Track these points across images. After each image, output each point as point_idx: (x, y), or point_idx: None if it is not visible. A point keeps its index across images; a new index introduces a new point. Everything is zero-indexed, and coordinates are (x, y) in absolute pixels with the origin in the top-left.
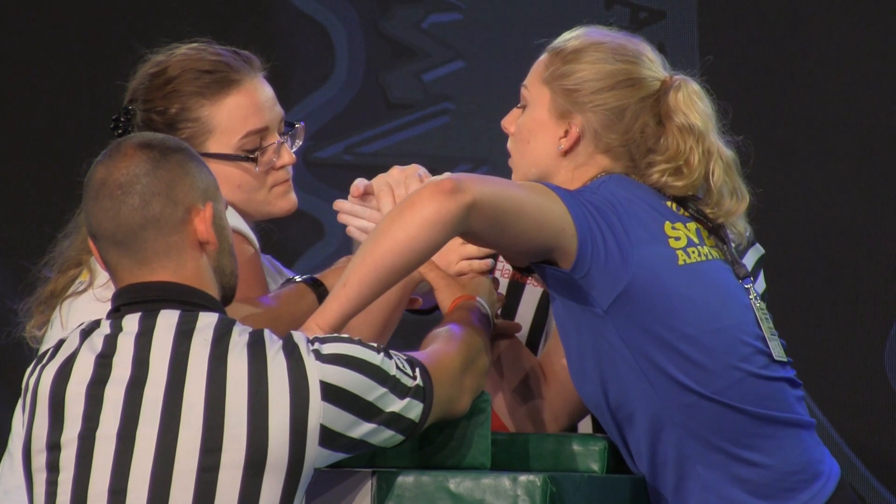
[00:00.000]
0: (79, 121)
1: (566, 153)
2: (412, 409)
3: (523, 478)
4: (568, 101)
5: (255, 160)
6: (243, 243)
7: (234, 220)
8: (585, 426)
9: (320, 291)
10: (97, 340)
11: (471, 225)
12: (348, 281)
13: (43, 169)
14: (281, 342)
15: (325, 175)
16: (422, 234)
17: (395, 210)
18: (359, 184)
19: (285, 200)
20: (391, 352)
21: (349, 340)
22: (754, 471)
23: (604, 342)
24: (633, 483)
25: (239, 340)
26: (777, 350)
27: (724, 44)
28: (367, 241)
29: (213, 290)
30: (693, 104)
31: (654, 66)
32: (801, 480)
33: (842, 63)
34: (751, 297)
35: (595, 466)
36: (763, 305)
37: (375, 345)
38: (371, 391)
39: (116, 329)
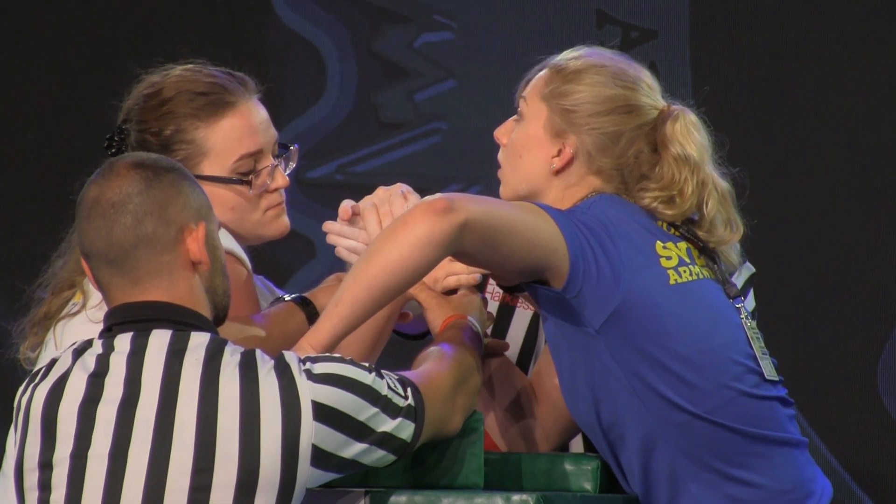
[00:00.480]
0: (72, 140)
1: (558, 172)
2: (404, 428)
3: (516, 497)
4: (564, 120)
5: (248, 183)
6: (236, 264)
7: (226, 241)
8: (577, 445)
9: (309, 310)
10: (89, 360)
11: (463, 244)
12: (341, 300)
13: (36, 188)
14: (272, 362)
15: (316, 195)
16: (415, 253)
17: (388, 229)
18: (346, 205)
19: (278, 223)
20: (382, 371)
21: (341, 360)
22: (747, 490)
23: (596, 361)
24: (626, 502)
25: (231, 360)
26: (768, 369)
27: (717, 63)
28: (359, 260)
29: (206, 310)
30: (690, 135)
31: (652, 94)
32: (793, 499)
33: (833, 81)
34: (741, 316)
35: (588, 486)
36: (754, 324)
37: (367, 364)
38: (363, 411)
39: (108, 348)
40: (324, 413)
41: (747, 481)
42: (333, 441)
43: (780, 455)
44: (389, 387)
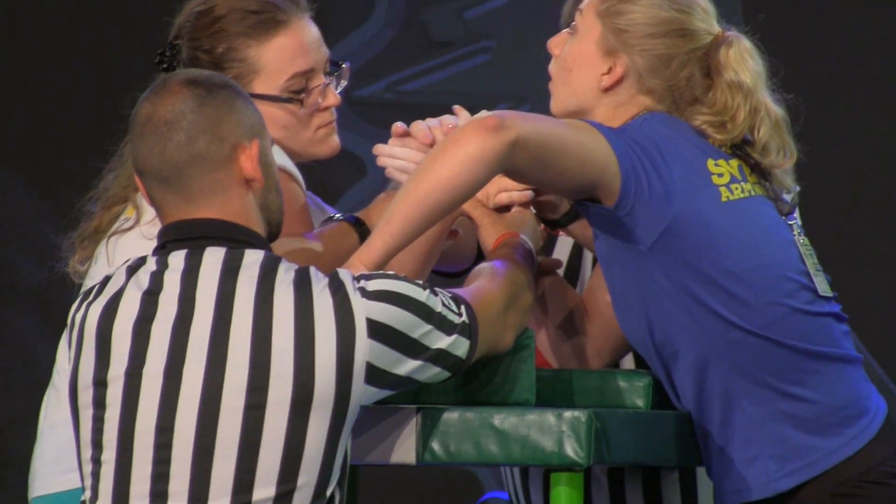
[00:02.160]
0: (124, 55)
1: (607, 90)
2: (459, 345)
3: (568, 414)
4: (617, 39)
5: (300, 101)
6: (289, 182)
7: (280, 158)
8: (628, 362)
9: (362, 230)
10: (143, 277)
11: (514, 162)
12: (392, 218)
13: (88, 102)
14: (327, 279)
15: (366, 113)
16: (465, 170)
17: (439, 147)
18: (399, 124)
19: (329, 142)
20: (436, 289)
21: (395, 277)
22: (801, 406)
23: (648, 279)
24: (679, 419)
25: (285, 278)
26: (822, 285)
27: None
28: (410, 177)
29: (259, 227)
30: (744, 61)
31: (707, 18)
32: (847, 416)
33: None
34: (794, 233)
35: (640, 402)
36: (807, 241)
37: (421, 282)
38: (417, 328)
39: (162, 266)
40: (378, 330)
41: (801, 397)
42: (388, 358)
43: (834, 371)
44: (443, 304)
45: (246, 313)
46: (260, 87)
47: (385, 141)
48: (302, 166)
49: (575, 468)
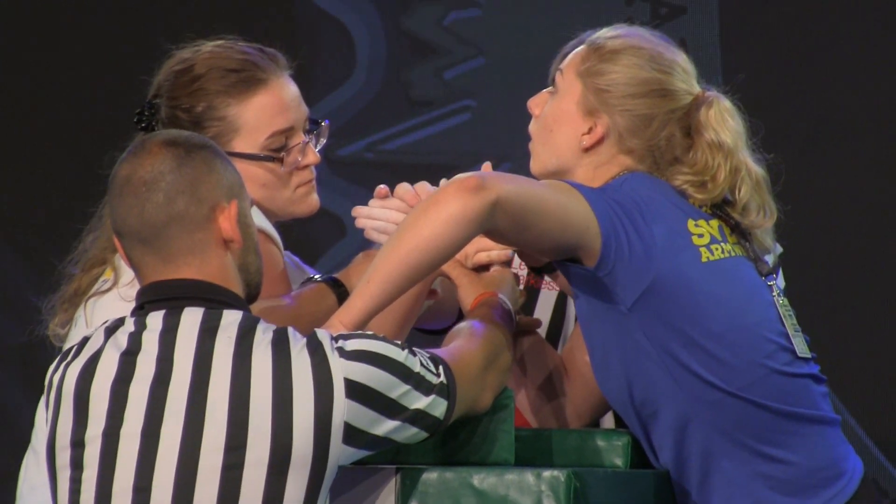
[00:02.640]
0: (102, 115)
1: (587, 150)
2: (437, 406)
3: (547, 473)
4: (598, 99)
5: (280, 160)
6: (268, 243)
7: (259, 219)
8: (608, 422)
9: (340, 291)
10: (122, 338)
11: (495, 222)
12: (372, 278)
13: (66, 164)
14: (305, 339)
15: (346, 173)
16: (446, 231)
17: (420, 207)
18: (382, 187)
19: (309, 201)
20: (414, 349)
21: (373, 337)
22: (779, 467)
23: (628, 340)
24: (657, 478)
25: (263, 338)
26: (801, 346)
27: (746, 40)
28: (392, 237)
29: (238, 288)
30: (724, 121)
31: (688, 78)
32: (825, 478)
33: (865, 55)
34: (774, 293)
35: (619, 461)
36: (786, 302)
37: (399, 342)
38: (395, 388)
39: (141, 326)
40: (356, 390)
41: (780, 459)
42: (366, 418)
43: (812, 433)
44: (422, 364)
45: (224, 373)
46: (240, 145)
47: (365, 201)
48: (282, 225)
49: None
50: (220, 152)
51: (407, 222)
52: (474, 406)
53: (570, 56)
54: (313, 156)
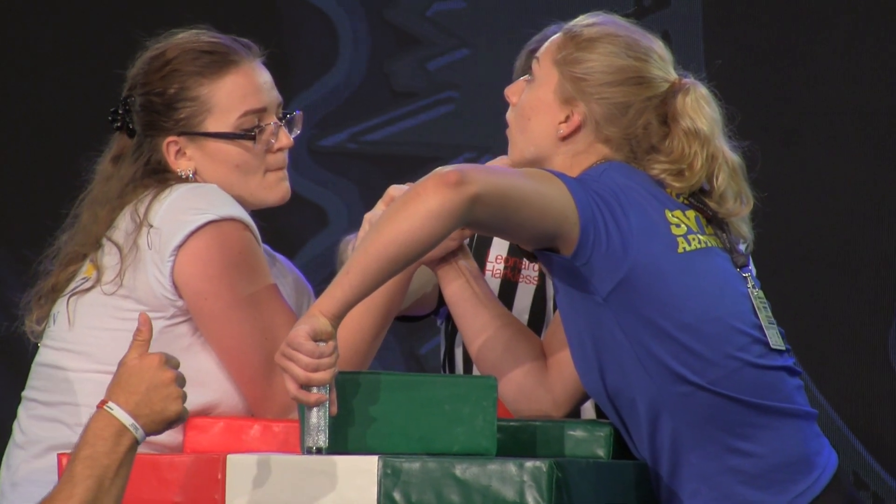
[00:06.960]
0: (81, 113)
1: (565, 138)
2: None
3: (529, 464)
4: (574, 87)
5: (253, 138)
6: (244, 231)
7: (233, 209)
8: (588, 411)
9: None
10: None
11: (475, 215)
12: (351, 269)
13: (48, 160)
14: None
15: (328, 163)
16: (426, 225)
17: (400, 200)
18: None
19: (279, 188)
20: None
21: None
22: (748, 461)
23: (602, 330)
24: (638, 468)
25: None
26: (774, 339)
27: (729, 33)
28: (372, 229)
29: None
30: (700, 109)
31: (664, 66)
32: (794, 472)
33: (847, 50)
34: (748, 285)
35: (600, 452)
36: (761, 294)
37: None
38: None
39: None
40: None
41: (749, 452)
42: None
43: (784, 426)
44: None
45: None
46: (212, 125)
47: (348, 191)
48: (263, 216)
49: None
50: None
51: (386, 215)
52: None
53: (546, 44)
54: (286, 139)
